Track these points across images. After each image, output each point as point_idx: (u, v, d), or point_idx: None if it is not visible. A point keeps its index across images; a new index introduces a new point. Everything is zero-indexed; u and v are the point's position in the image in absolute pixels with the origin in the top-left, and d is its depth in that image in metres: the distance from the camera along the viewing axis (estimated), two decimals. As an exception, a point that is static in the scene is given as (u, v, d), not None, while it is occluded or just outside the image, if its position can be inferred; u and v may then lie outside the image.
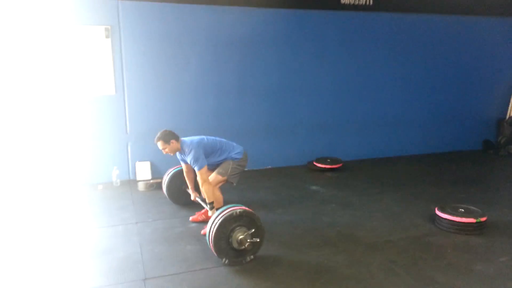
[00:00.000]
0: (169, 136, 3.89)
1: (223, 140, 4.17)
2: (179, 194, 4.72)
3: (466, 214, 3.95)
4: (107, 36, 5.50)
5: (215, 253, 3.28)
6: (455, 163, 6.79)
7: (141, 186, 5.46)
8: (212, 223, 3.29)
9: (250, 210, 3.38)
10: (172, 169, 4.76)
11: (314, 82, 6.59)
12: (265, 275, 3.16)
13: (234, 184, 4.22)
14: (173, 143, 3.89)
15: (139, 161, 5.90)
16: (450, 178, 5.89)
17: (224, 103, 6.20)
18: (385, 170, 6.40)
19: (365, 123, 6.99)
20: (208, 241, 3.32)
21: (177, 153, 4.09)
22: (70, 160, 5.61)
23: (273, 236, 3.86)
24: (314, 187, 5.49)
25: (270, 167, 6.57)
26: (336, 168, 6.27)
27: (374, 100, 6.98)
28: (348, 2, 6.42)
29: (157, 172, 5.88)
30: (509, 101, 7.71)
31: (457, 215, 3.91)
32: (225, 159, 4.07)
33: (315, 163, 6.36)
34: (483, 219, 3.89)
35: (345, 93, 6.78)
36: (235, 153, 4.11)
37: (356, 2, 6.46)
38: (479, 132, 7.75)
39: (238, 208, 3.32)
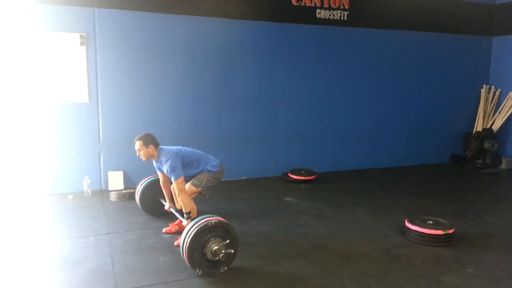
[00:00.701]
0: (149, 140, 3.85)
1: (200, 152, 4.17)
2: (153, 205, 4.66)
3: (435, 226, 4.07)
4: (82, 44, 5.43)
5: (188, 264, 3.24)
6: (425, 176, 6.99)
7: (113, 196, 5.36)
8: (187, 233, 3.26)
9: (225, 220, 3.37)
10: (145, 179, 4.70)
11: (290, 94, 6.68)
12: (239, 286, 3.14)
13: (207, 196, 4.22)
14: (151, 148, 3.85)
15: (112, 170, 5.79)
16: (420, 191, 6.06)
17: (201, 113, 6.20)
18: (358, 182, 6.52)
19: (339, 135, 7.12)
20: (182, 252, 3.28)
21: (153, 162, 4.05)
22: (39, 168, 5.46)
23: (247, 247, 3.86)
24: (288, 198, 5.53)
25: (245, 177, 6.58)
26: (310, 179, 6.34)
27: (349, 113, 7.13)
28: (324, 17, 6.58)
29: (130, 182, 5.80)
30: (475, 116, 8.03)
31: (425, 227, 4.02)
32: (201, 171, 4.06)
33: (289, 175, 6.42)
34: (451, 231, 4.01)
35: (320, 105, 6.91)
36: (211, 166, 4.11)
37: (332, 17, 6.63)
38: (447, 146, 8.03)
39: (213, 219, 3.31)
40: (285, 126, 6.74)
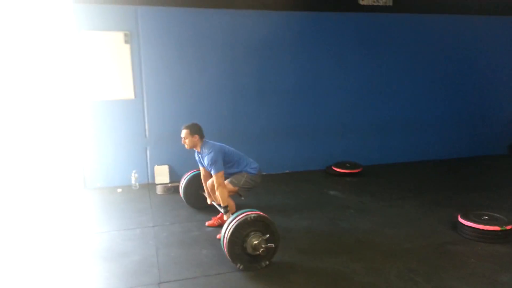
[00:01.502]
0: (196, 130, 3.94)
1: (241, 153, 4.18)
2: (196, 198, 4.73)
3: (490, 221, 3.81)
4: (126, 42, 5.58)
5: (229, 258, 3.25)
6: (479, 168, 6.58)
7: (159, 190, 5.50)
8: (227, 228, 3.26)
9: (265, 215, 3.34)
10: (189, 173, 4.77)
11: (333, 85, 6.52)
12: (280, 281, 3.11)
13: (243, 198, 4.21)
14: (196, 138, 3.93)
15: (158, 164, 5.95)
16: (473, 184, 5.71)
17: (242, 107, 6.20)
18: (406, 175, 6.26)
19: (385, 126, 6.86)
20: (222, 246, 3.30)
21: (196, 154, 4.09)
22: (91, 163, 5.71)
23: (289, 241, 3.82)
24: (332, 192, 5.41)
25: (288, 171, 6.52)
26: (355, 173, 6.17)
27: (395, 103, 6.84)
28: (367, 3, 6.33)
29: (175, 176, 5.92)
30: (537, 104, 7.44)
31: (480, 223, 3.77)
32: (240, 171, 4.06)
33: (334, 168, 6.28)
34: (509, 227, 3.73)
35: (364, 96, 6.68)
36: (251, 168, 4.10)
37: (376, 3, 6.36)
38: (504, 136, 7.50)
39: (253, 213, 3.29)
40: (328, 118, 6.58)
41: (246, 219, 3.23)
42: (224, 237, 3.25)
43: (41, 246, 3.82)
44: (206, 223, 4.27)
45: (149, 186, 5.79)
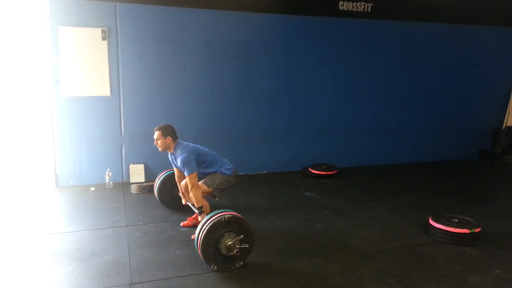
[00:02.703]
0: (168, 132, 3.87)
1: (216, 154, 4.14)
2: (170, 198, 4.67)
3: (460, 224, 3.91)
4: (103, 38, 5.47)
5: (203, 259, 3.22)
6: (450, 173, 6.76)
7: (133, 189, 5.41)
8: (201, 229, 3.23)
9: (240, 215, 3.33)
10: (163, 172, 4.71)
11: (311, 88, 6.57)
12: (254, 282, 3.10)
13: (217, 199, 4.15)
14: (168, 139, 3.86)
15: (133, 163, 5.85)
16: (445, 188, 5.86)
17: (220, 107, 6.17)
18: (381, 177, 6.36)
19: (361, 130, 6.96)
20: (196, 247, 3.26)
21: (169, 155, 4.04)
22: (63, 161, 5.56)
23: (264, 242, 3.81)
24: (308, 194, 5.45)
25: (265, 172, 6.53)
26: (331, 174, 6.23)
27: (371, 107, 6.96)
28: (347, 9, 6.41)
29: (151, 175, 5.83)
30: (505, 111, 7.70)
31: (451, 226, 3.86)
32: (214, 172, 4.03)
33: (310, 169, 6.32)
34: (477, 230, 3.84)
35: (342, 99, 6.76)
36: (225, 169, 4.07)
37: (355, 9, 6.46)
38: (474, 142, 7.73)
39: (227, 214, 3.27)
40: (305, 120, 6.63)
41: (220, 219, 3.21)
42: (198, 238, 3.22)
43: (9, 246, 3.69)
44: (181, 224, 4.22)
45: (124, 185, 5.69)
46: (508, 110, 7.67)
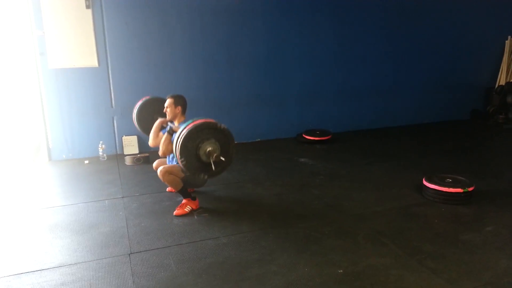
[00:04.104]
0: (181, 102, 3.85)
1: None
2: (150, 123, 4.21)
3: (453, 184, 3.95)
4: (87, 7, 5.29)
5: (178, 156, 3.23)
6: (444, 133, 6.80)
7: (128, 160, 5.39)
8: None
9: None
10: (141, 100, 4.45)
11: (303, 52, 6.46)
12: (252, 248, 3.14)
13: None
14: (178, 110, 3.84)
15: (126, 135, 5.80)
16: (438, 148, 5.90)
17: (212, 75, 6.07)
18: (375, 141, 6.39)
19: (354, 93, 6.92)
20: (175, 147, 3.27)
21: (169, 124, 3.95)
22: (54, 135, 5.49)
23: (261, 209, 3.85)
24: (303, 159, 5.46)
25: (259, 139, 6.52)
26: (325, 140, 6.24)
27: (364, 70, 6.89)
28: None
29: (144, 146, 5.79)
30: (498, 70, 7.65)
31: (444, 185, 3.90)
32: None
33: (304, 135, 6.32)
34: (470, 189, 3.89)
35: (334, 63, 6.68)
36: None
37: (347, -32, 6.26)
38: (468, 102, 7.74)
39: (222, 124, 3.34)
40: (298, 85, 6.56)
41: (216, 124, 3.27)
42: (180, 135, 3.22)
43: (5, 221, 3.69)
44: (167, 189, 4.25)
45: (118, 157, 5.66)
46: (501, 68, 7.62)
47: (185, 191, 3.79)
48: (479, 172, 4.78)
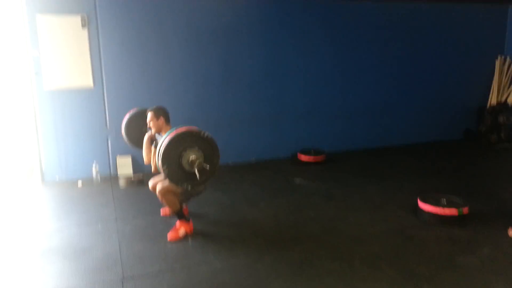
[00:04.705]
0: (160, 112, 3.81)
1: None
2: (139, 136, 4.25)
3: (448, 205, 3.96)
4: (83, 26, 5.32)
5: (160, 163, 3.18)
6: (437, 153, 6.83)
7: (122, 182, 5.34)
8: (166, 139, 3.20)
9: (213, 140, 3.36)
10: (129, 112, 4.44)
11: (297, 71, 6.52)
12: (247, 272, 3.10)
13: (184, 204, 3.95)
14: (161, 120, 3.80)
15: (120, 155, 5.77)
16: (432, 169, 5.93)
17: (207, 93, 6.09)
18: (369, 161, 6.40)
19: (348, 113, 6.96)
20: (157, 156, 3.24)
21: (156, 136, 3.91)
22: (48, 156, 5.45)
23: (256, 231, 3.82)
24: (298, 180, 5.45)
25: (254, 159, 6.51)
26: (320, 160, 6.24)
27: (358, 89, 6.95)
28: (331, -9, 6.34)
29: (138, 167, 5.76)
30: (489, 89, 7.76)
31: (439, 207, 3.91)
32: None
33: (299, 155, 6.32)
34: (465, 210, 3.90)
35: (328, 82, 6.74)
36: None
37: (339, -9, 6.38)
38: (460, 122, 7.81)
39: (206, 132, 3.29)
40: (293, 104, 6.60)
41: (199, 132, 3.23)
42: (162, 143, 3.18)
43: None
44: (161, 212, 4.22)
45: (112, 178, 5.62)
46: (492, 88, 7.73)
47: (180, 213, 3.74)
48: (473, 193, 4.79)
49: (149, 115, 3.83)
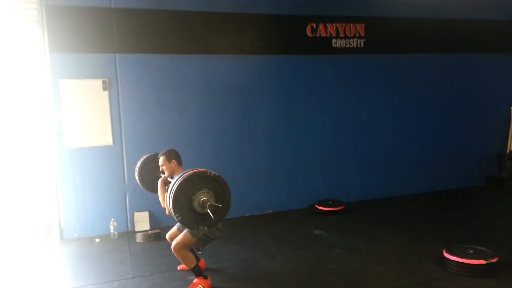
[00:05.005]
0: (172, 155, 3.86)
1: None
2: (153, 181, 4.30)
3: (476, 255, 3.80)
4: (104, 89, 5.57)
5: (172, 212, 3.12)
6: (459, 201, 6.66)
7: (139, 238, 5.31)
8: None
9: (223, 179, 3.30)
10: (144, 156, 4.54)
11: (311, 124, 6.61)
12: (268, 331, 2.98)
13: (200, 252, 3.90)
14: (173, 163, 3.84)
15: (138, 211, 5.78)
16: (456, 217, 5.75)
17: (222, 148, 6.18)
18: (388, 210, 6.26)
19: (365, 163, 6.93)
20: (168, 203, 3.18)
21: (169, 180, 3.87)
22: (67, 213, 5.50)
23: (276, 286, 3.70)
24: (317, 232, 5.34)
25: (271, 211, 6.44)
26: (338, 210, 6.14)
27: (373, 140, 6.96)
28: (340, 46, 6.57)
29: (156, 222, 5.76)
30: (508, 135, 7.69)
31: (466, 257, 3.75)
32: None
33: (317, 206, 6.24)
34: (494, 260, 3.73)
35: (343, 133, 6.78)
36: None
37: (348, 45, 6.62)
38: (480, 168, 7.67)
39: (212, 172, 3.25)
40: (308, 156, 6.62)
41: (206, 173, 3.20)
42: (171, 190, 3.13)
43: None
44: (178, 267, 4.13)
45: (129, 234, 5.60)
46: (510, 134, 7.66)
47: (197, 270, 3.69)
48: (500, 241, 4.60)
49: (161, 159, 3.87)
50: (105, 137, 5.64)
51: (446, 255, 3.89)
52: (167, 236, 4.04)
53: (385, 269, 4.02)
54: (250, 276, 4.01)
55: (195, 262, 3.66)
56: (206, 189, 3.18)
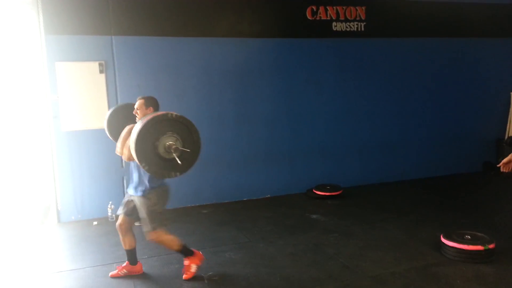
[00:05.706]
0: (151, 103, 3.50)
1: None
2: (120, 130, 3.84)
3: (473, 241, 3.81)
4: (101, 71, 5.49)
5: (138, 162, 2.96)
6: (457, 187, 6.68)
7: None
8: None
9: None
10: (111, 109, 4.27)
11: (310, 108, 6.55)
12: (266, 314, 2.99)
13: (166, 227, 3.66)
14: (150, 110, 3.46)
15: (135, 195, 5.76)
16: (453, 203, 5.77)
17: (221, 133, 6.14)
18: (386, 195, 6.27)
19: (364, 148, 6.91)
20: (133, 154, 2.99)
21: None
22: (64, 196, 5.48)
23: (274, 271, 3.71)
24: (315, 216, 5.35)
25: (269, 196, 6.44)
26: (336, 195, 6.14)
27: (372, 125, 6.93)
28: (340, 29, 6.48)
29: (153, 206, 5.74)
30: (507, 121, 7.66)
31: (464, 243, 3.76)
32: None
33: (314, 191, 6.24)
34: (492, 246, 3.74)
35: (342, 118, 6.74)
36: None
37: (348, 29, 6.52)
38: (479, 154, 7.66)
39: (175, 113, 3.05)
40: (307, 141, 6.59)
41: (167, 115, 3.03)
42: (133, 139, 2.94)
43: (11, 285, 3.59)
44: (110, 274, 3.72)
45: (127, 217, 5.58)
46: (509, 119, 7.64)
47: (185, 249, 3.58)
48: (497, 227, 4.62)
49: (139, 102, 3.49)
50: (102, 120, 5.56)
51: (443, 240, 3.90)
52: (117, 226, 3.75)
53: (382, 254, 4.03)
54: (248, 260, 4.02)
55: (179, 243, 3.53)
56: (170, 132, 3.00)
